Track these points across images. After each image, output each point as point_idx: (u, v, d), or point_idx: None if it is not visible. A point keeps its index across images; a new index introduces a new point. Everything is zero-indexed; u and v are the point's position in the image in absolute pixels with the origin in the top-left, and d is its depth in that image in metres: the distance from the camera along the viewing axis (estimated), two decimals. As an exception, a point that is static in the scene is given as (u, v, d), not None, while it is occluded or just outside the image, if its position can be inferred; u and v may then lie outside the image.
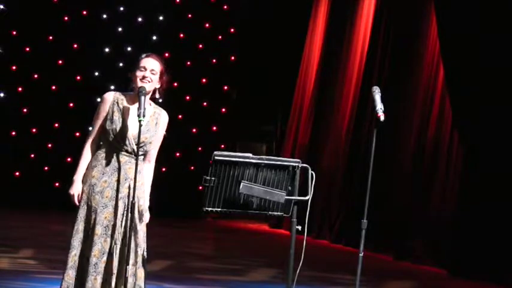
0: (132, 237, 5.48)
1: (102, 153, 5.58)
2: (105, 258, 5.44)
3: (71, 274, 5.49)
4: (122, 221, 5.49)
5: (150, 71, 5.61)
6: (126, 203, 5.51)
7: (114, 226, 5.46)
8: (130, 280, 5.45)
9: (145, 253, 5.57)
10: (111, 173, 5.52)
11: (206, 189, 5.30)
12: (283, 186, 5.42)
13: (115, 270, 5.44)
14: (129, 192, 5.51)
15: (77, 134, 15.05)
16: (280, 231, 14.60)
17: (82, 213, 5.54)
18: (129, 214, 5.48)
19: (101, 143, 5.64)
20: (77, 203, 5.56)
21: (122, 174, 5.51)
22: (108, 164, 5.54)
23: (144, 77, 5.59)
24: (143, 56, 5.70)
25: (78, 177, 5.59)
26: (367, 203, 5.52)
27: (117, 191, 5.51)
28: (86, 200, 5.54)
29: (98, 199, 5.50)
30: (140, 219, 5.55)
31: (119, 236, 5.47)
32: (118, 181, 5.51)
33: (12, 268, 8.77)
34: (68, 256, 5.51)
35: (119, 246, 5.46)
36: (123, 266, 5.45)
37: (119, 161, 5.52)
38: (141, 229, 5.56)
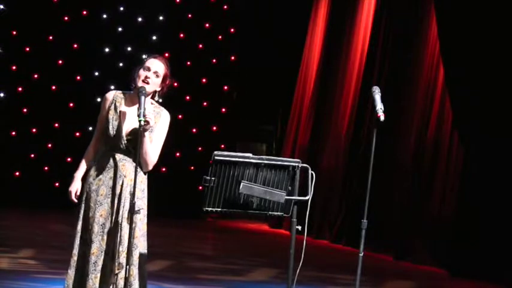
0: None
1: (100, 152, 5.62)
2: (103, 256, 5.45)
3: (70, 273, 5.51)
4: (117, 219, 5.47)
5: (154, 72, 5.60)
6: (121, 201, 5.49)
7: (111, 224, 5.46)
8: (132, 281, 5.45)
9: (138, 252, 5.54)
10: (106, 171, 5.54)
11: (206, 189, 5.30)
12: (283, 186, 5.41)
13: (114, 269, 5.44)
14: (121, 190, 5.50)
15: (77, 134, 15.06)
16: (280, 231, 14.60)
17: (80, 212, 5.57)
18: (130, 215, 5.47)
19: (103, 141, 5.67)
20: (74, 200, 5.59)
21: (117, 171, 5.51)
22: (103, 162, 5.56)
23: (146, 77, 5.58)
24: (151, 56, 5.70)
25: (77, 174, 5.64)
26: (367, 203, 5.52)
27: (112, 188, 5.51)
28: (83, 199, 5.57)
29: (94, 197, 5.52)
30: (129, 216, 5.51)
31: (116, 234, 5.46)
32: (112, 179, 5.52)
33: (12, 268, 8.77)
34: (70, 256, 5.53)
35: (117, 245, 5.45)
36: (114, 264, 5.44)
37: (114, 159, 5.54)
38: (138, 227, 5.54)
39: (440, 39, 11.53)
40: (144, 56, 5.80)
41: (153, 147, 5.56)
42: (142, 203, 5.57)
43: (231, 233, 14.40)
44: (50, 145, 15.23)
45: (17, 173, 15.08)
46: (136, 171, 5.41)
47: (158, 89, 5.65)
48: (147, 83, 5.56)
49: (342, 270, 10.39)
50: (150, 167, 5.59)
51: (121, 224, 5.47)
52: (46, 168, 15.14)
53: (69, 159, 14.72)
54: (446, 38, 11.35)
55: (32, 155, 15.17)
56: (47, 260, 9.35)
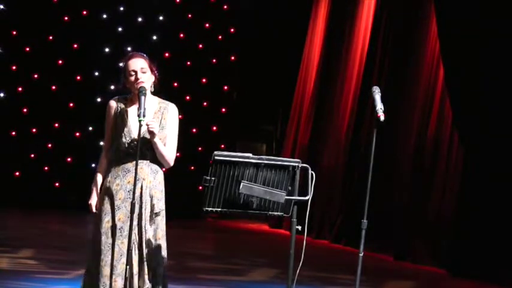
0: (144, 245, 5.48)
1: (115, 158, 5.63)
2: (123, 259, 5.42)
3: (101, 278, 5.47)
4: (140, 222, 5.49)
5: (140, 69, 5.59)
6: (142, 204, 5.51)
7: (130, 227, 5.43)
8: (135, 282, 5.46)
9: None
10: (123, 175, 5.55)
11: (206, 189, 5.30)
12: (283, 186, 5.41)
13: (136, 271, 5.44)
14: (141, 193, 5.51)
15: (77, 134, 15.05)
16: (280, 231, 14.59)
17: (98, 218, 5.57)
18: (130, 215, 5.47)
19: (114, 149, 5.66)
20: (95, 211, 5.59)
21: (134, 175, 5.49)
22: (120, 167, 5.56)
23: (137, 79, 5.58)
24: (126, 58, 5.68)
25: (94, 187, 5.66)
26: (367, 203, 5.51)
27: (129, 192, 5.50)
28: (101, 204, 5.57)
29: (112, 202, 5.52)
30: (151, 218, 5.55)
31: (136, 236, 5.47)
32: (130, 182, 5.51)
33: (12, 268, 8.77)
34: (99, 261, 5.49)
35: (136, 246, 5.46)
36: (142, 266, 5.46)
37: (130, 163, 5.53)
38: (158, 238, 5.56)
39: (440, 39, 11.53)
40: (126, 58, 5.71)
41: (168, 144, 5.63)
42: (162, 204, 5.61)
43: (231, 233, 14.40)
44: (50, 145, 15.23)
45: (17, 173, 15.07)
46: (136, 170, 5.41)
47: (152, 79, 5.64)
48: (142, 82, 5.57)
49: (342, 270, 10.39)
50: (172, 163, 5.72)
51: (144, 227, 5.49)
52: (46, 168, 15.14)
53: (69, 159, 14.72)
54: (446, 38, 11.35)
55: (32, 155, 15.16)
56: (47, 260, 9.33)
